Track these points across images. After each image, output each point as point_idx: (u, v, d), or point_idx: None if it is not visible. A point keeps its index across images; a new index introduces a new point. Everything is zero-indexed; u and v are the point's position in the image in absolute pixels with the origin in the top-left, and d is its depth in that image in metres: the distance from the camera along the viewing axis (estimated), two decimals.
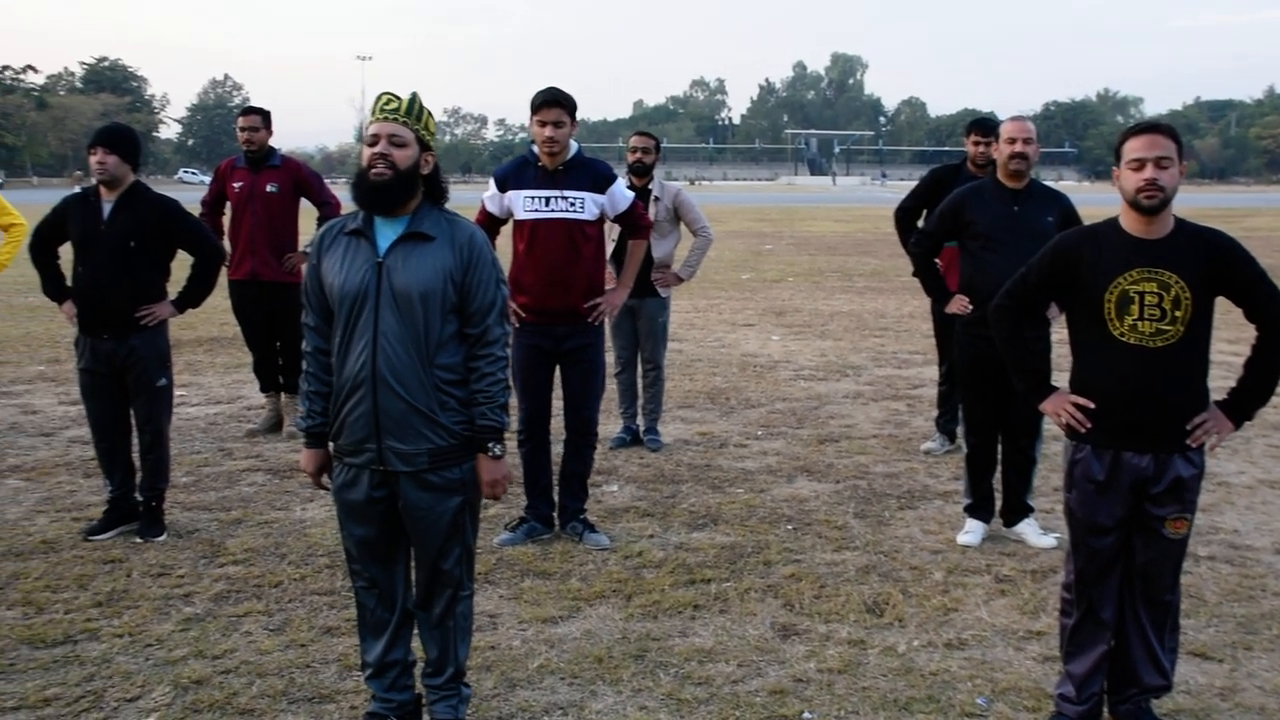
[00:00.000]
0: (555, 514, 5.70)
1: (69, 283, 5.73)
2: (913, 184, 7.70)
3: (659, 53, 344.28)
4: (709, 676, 4.09)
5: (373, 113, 3.41)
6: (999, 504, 5.73)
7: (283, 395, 7.92)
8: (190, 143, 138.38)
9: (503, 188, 5.54)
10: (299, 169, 7.79)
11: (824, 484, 6.66)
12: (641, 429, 7.65)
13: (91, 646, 4.32)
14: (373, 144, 3.37)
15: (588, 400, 5.65)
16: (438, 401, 3.39)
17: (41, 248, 5.76)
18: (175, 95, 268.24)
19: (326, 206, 7.76)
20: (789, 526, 5.84)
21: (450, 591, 3.54)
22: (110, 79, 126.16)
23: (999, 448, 5.70)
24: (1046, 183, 5.85)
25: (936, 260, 6.04)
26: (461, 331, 3.43)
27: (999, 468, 5.72)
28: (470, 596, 3.62)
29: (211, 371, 10.12)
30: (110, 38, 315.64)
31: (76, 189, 6.01)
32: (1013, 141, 5.45)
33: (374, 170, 3.34)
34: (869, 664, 4.21)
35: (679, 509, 6.13)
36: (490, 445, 3.45)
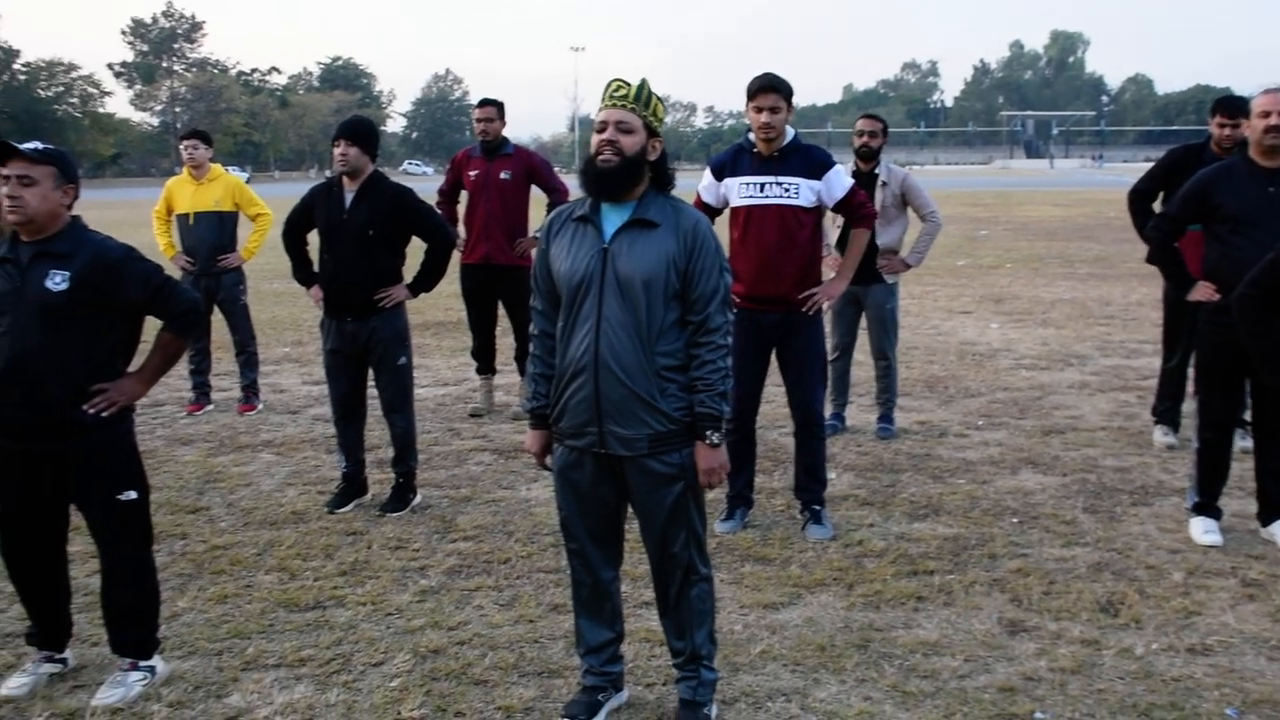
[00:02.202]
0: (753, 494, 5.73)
1: (316, 268, 6.08)
2: (1135, 165, 7.33)
3: (869, 35, 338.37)
4: (934, 670, 4.03)
5: (602, 100, 3.48)
6: (1234, 503, 5.42)
7: (522, 379, 8.22)
8: (414, 135, 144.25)
9: (719, 175, 5.55)
10: (530, 157, 8.06)
11: (1050, 477, 6.44)
12: (875, 417, 7.59)
13: (339, 613, 4.60)
14: (601, 130, 3.43)
15: (808, 390, 5.59)
16: (658, 387, 3.43)
17: (291, 235, 6.12)
18: (401, 90, 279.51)
19: (556, 193, 8.00)
20: (1014, 519, 5.68)
21: (680, 574, 3.59)
22: (343, 77, 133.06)
23: (1247, 445, 5.39)
24: None
25: (1175, 245, 5.73)
26: (683, 318, 3.47)
27: (1254, 465, 5.40)
28: (705, 580, 3.64)
29: (438, 355, 10.56)
30: (344, 35, 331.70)
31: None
32: (1267, 115, 5.09)
33: (601, 156, 3.41)
34: (1104, 665, 4.06)
35: (899, 498, 6.05)
36: (708, 433, 3.48)
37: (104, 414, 3.79)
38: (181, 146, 8.30)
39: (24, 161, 3.72)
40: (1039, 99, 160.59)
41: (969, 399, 8.50)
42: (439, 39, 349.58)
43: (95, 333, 3.79)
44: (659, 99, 3.49)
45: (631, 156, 3.40)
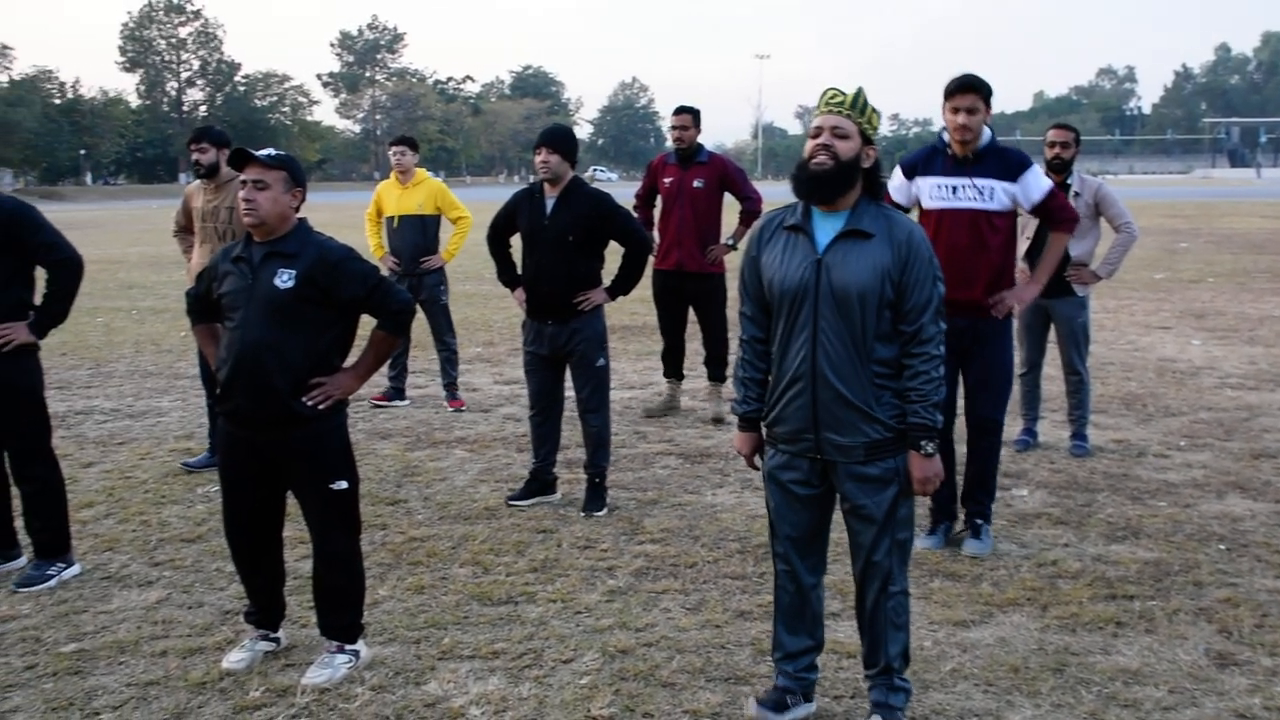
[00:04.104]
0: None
1: (519, 271, 6.26)
2: None
3: (1063, 41, 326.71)
4: (1136, 700, 3.88)
5: (818, 106, 3.50)
6: None
7: (711, 384, 8.31)
8: (600, 142, 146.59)
9: (910, 175, 5.46)
10: (724, 164, 8.11)
11: (1261, 503, 6.11)
12: (1069, 434, 7.36)
13: (530, 608, 4.72)
14: (816, 135, 3.45)
15: (988, 397, 5.43)
16: (873, 396, 3.44)
17: (496, 239, 6.30)
18: (588, 98, 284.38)
19: (749, 201, 8.05)
20: (1221, 546, 5.41)
21: (879, 583, 3.57)
22: (533, 85, 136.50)
23: None
24: None
25: None
26: (896, 328, 3.45)
27: None
28: (902, 593, 3.61)
29: (625, 358, 10.71)
30: (535, 44, 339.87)
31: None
32: None
33: (815, 160, 3.42)
34: None
35: (1095, 519, 5.84)
36: (922, 443, 3.45)
37: (320, 406, 4.00)
38: (390, 152, 8.66)
39: (259, 167, 3.96)
40: (1246, 105, 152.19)
41: (1169, 418, 8.14)
42: (626, 47, 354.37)
43: (316, 329, 4.00)
44: (874, 108, 3.49)
45: (846, 162, 3.41)
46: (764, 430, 3.72)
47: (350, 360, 4.20)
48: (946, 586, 4.93)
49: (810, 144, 3.46)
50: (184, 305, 4.45)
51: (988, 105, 5.23)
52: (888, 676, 3.64)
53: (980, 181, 5.25)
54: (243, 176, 3.99)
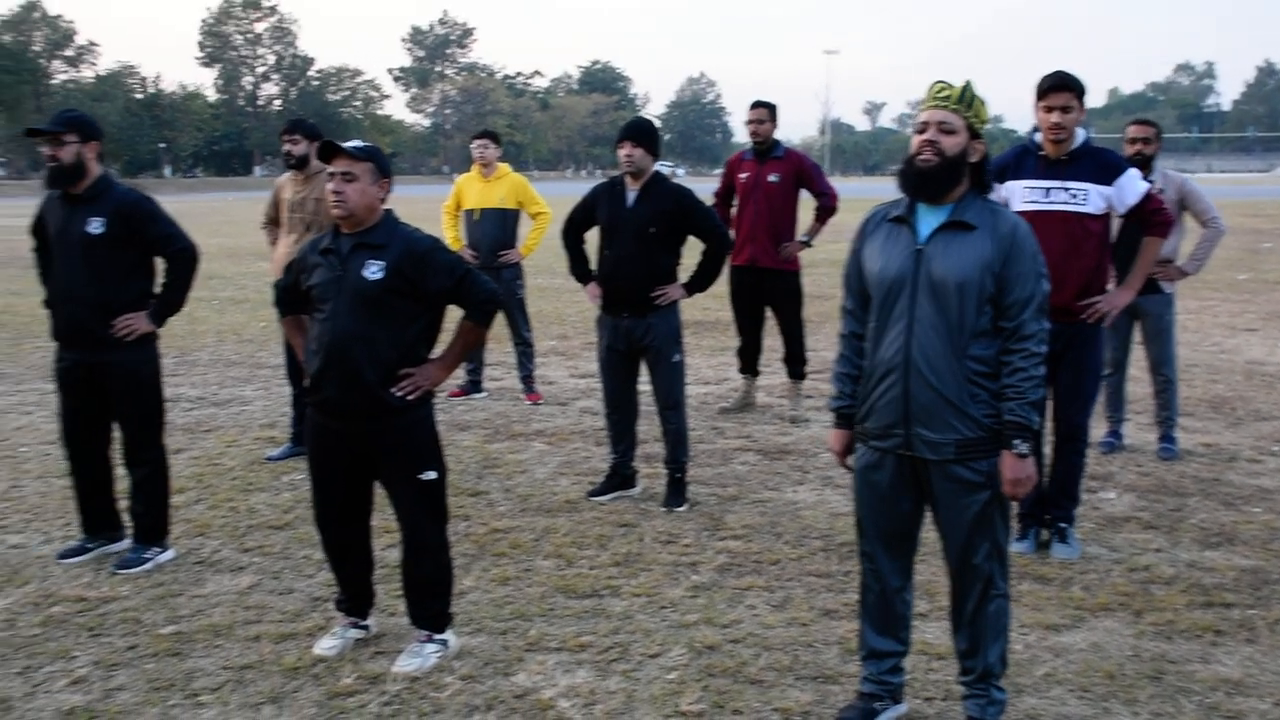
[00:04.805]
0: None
1: (592, 266, 6.26)
2: None
3: (1139, 37, 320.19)
4: (1239, 712, 3.78)
5: (924, 100, 3.45)
6: None
7: (791, 381, 8.27)
8: (667, 137, 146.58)
9: (999, 177, 5.34)
10: (801, 160, 8.04)
11: None
12: (1155, 437, 7.22)
13: (614, 602, 4.72)
14: (921, 131, 3.40)
15: (1078, 404, 5.34)
16: (968, 392, 3.38)
17: (572, 232, 6.31)
18: (655, 93, 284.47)
19: (824, 197, 7.98)
20: None
21: (980, 587, 3.52)
22: (601, 80, 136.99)
23: None
24: None
25: None
26: (996, 324, 3.40)
27: None
28: (1003, 597, 3.56)
29: (699, 354, 10.69)
30: (603, 39, 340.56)
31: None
32: None
33: (920, 156, 3.38)
34: None
35: (1187, 524, 5.71)
36: (1016, 442, 3.39)
37: (409, 397, 4.03)
38: (473, 146, 8.71)
39: (346, 159, 3.99)
40: None
41: (1260, 422, 7.95)
42: (693, 43, 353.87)
43: (404, 320, 4.03)
44: (982, 100, 3.43)
45: (952, 157, 3.37)
46: (856, 427, 3.68)
47: (436, 352, 4.23)
48: (1036, 589, 4.85)
49: (916, 139, 3.42)
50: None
51: (1082, 104, 5.12)
52: (985, 683, 3.58)
53: (1074, 184, 5.14)
54: (330, 168, 4.01)
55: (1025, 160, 5.29)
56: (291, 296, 4.27)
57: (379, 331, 3.97)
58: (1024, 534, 5.40)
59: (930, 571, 4.80)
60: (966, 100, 3.40)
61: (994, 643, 3.55)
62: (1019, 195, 5.27)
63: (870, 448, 3.58)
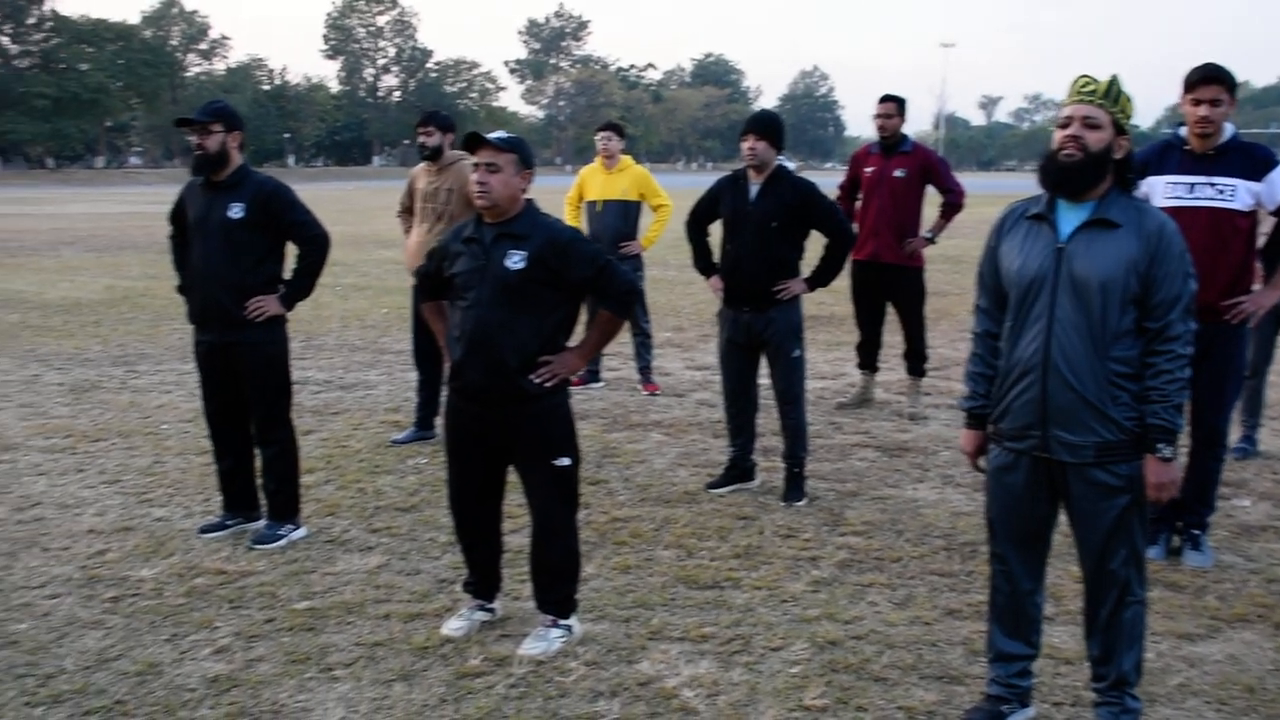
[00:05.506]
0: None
1: (715, 259, 6.27)
2: None
3: (1270, 27, 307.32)
4: None
5: (1068, 94, 3.39)
6: None
7: (911, 378, 8.21)
8: None
9: (1141, 173, 5.20)
10: (928, 156, 7.94)
11: None
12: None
13: (735, 594, 4.74)
14: (1065, 125, 3.34)
15: (1218, 407, 5.18)
16: (1109, 394, 3.31)
17: (696, 225, 6.32)
18: (768, 86, 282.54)
19: (951, 194, 7.87)
20: None
21: (1116, 593, 3.45)
22: (714, 73, 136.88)
23: None
24: None
25: None
26: (1140, 324, 3.32)
27: None
28: (1140, 604, 3.48)
29: (814, 348, 10.59)
30: (717, 31, 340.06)
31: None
32: None
33: (1064, 151, 3.31)
34: None
35: None
36: (1160, 446, 3.31)
37: (548, 384, 4.10)
38: (597, 138, 8.78)
39: (491, 150, 4.07)
40: None
41: None
42: (806, 35, 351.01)
43: (544, 309, 4.09)
44: (1128, 96, 3.35)
45: (1095, 153, 3.29)
46: (989, 428, 3.64)
47: (573, 342, 4.29)
48: (1168, 597, 4.73)
49: (1059, 134, 3.35)
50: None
51: (1232, 97, 4.95)
52: (1119, 691, 3.51)
53: (1221, 180, 4.98)
54: (475, 159, 4.09)
55: (1169, 155, 5.14)
56: (433, 283, 4.36)
57: (520, 320, 4.04)
58: (1154, 539, 5.26)
59: (1055, 574, 4.71)
60: (1113, 95, 3.33)
61: (1129, 650, 3.48)
62: (1160, 191, 5.13)
63: (1004, 449, 3.52)
